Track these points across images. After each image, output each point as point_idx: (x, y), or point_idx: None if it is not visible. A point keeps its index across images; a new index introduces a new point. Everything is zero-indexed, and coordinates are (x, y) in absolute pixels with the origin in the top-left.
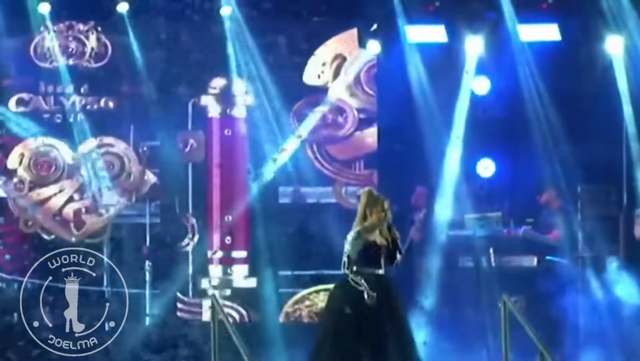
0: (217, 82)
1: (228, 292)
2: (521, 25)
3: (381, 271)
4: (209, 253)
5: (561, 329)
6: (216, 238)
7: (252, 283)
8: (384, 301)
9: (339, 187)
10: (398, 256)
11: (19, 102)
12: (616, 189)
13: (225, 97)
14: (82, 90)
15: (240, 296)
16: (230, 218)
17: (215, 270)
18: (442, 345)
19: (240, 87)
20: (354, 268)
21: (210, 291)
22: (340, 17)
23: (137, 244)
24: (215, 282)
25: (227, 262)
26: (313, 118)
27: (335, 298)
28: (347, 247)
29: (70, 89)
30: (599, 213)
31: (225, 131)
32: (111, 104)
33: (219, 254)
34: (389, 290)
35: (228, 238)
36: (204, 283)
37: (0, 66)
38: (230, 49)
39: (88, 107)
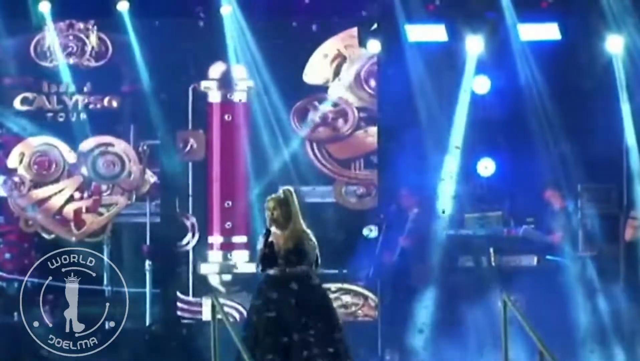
0: (217, 68)
1: (229, 278)
2: (521, 25)
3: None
4: (209, 239)
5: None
6: (216, 224)
7: (252, 268)
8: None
9: (338, 186)
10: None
11: (13, 101)
12: (617, 188)
13: (225, 83)
14: (82, 89)
15: (241, 282)
16: (230, 203)
17: (216, 255)
18: (441, 344)
19: (240, 73)
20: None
21: (212, 278)
22: (340, 16)
23: (137, 244)
24: (215, 268)
25: (227, 248)
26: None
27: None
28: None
29: (70, 88)
30: (599, 212)
31: (226, 116)
32: (111, 103)
33: (219, 239)
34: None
35: (228, 223)
36: (204, 269)
37: (1, 65)
38: (230, 48)
39: (89, 106)
